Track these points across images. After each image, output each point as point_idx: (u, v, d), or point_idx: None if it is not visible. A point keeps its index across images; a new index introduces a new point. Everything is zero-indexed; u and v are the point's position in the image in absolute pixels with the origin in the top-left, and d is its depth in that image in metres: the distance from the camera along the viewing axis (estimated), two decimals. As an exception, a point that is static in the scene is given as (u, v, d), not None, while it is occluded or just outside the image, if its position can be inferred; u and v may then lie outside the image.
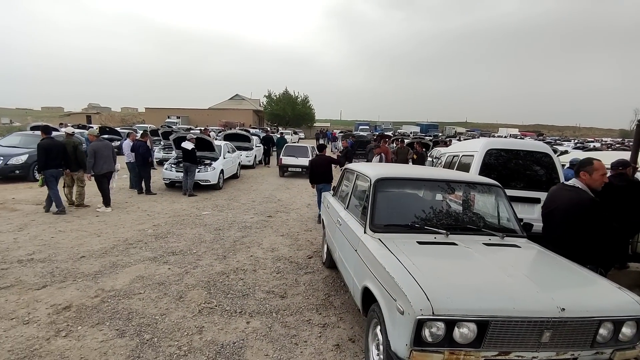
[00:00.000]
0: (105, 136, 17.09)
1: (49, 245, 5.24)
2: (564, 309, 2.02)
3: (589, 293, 2.28)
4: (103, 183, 7.57)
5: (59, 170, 7.05)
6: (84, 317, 3.34)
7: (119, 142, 16.01)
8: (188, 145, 9.51)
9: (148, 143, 11.06)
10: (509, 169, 5.49)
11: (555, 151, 14.67)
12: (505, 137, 39.20)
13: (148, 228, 6.37)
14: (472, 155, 5.60)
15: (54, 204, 7.05)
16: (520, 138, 35.67)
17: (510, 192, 5.16)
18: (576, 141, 38.46)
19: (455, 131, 56.07)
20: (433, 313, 1.95)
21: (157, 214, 7.41)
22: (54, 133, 11.96)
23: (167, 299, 3.78)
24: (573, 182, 2.94)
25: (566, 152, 15.20)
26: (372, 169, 3.54)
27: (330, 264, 4.57)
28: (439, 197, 3.52)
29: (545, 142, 32.19)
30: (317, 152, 8.00)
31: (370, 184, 3.23)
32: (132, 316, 3.40)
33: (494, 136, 39.42)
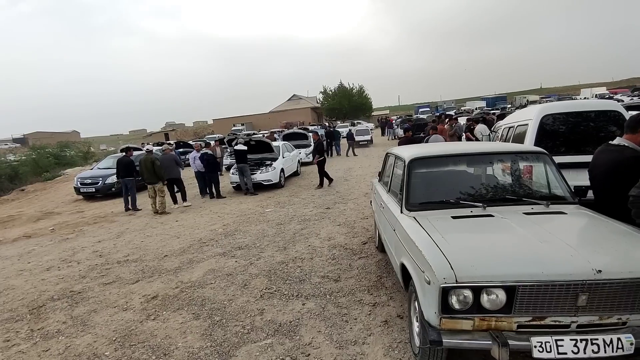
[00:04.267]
0: (180, 150, 19.33)
1: (140, 248, 6.15)
2: (600, 271, 1.95)
3: (636, 254, 2.14)
4: (173, 186, 9.56)
5: (130, 179, 9.47)
6: (167, 304, 3.94)
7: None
8: (240, 146, 10.22)
9: (218, 151, 12.16)
10: (578, 133, 5.03)
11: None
12: (588, 98, 34.74)
13: (219, 228, 7.07)
14: (527, 125, 5.26)
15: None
16: (609, 97, 31.31)
17: (582, 158, 4.73)
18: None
19: (527, 100, 50.52)
20: (456, 281, 2.03)
21: (227, 215, 8.14)
22: (136, 152, 13.75)
23: (233, 287, 4.26)
24: (618, 140, 2.71)
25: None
26: (407, 150, 3.59)
27: (383, 247, 4.68)
28: (476, 171, 3.45)
29: None
30: (403, 134, 10.18)
31: (405, 165, 3.31)
32: (205, 302, 3.91)
33: (574, 99, 35.15)
